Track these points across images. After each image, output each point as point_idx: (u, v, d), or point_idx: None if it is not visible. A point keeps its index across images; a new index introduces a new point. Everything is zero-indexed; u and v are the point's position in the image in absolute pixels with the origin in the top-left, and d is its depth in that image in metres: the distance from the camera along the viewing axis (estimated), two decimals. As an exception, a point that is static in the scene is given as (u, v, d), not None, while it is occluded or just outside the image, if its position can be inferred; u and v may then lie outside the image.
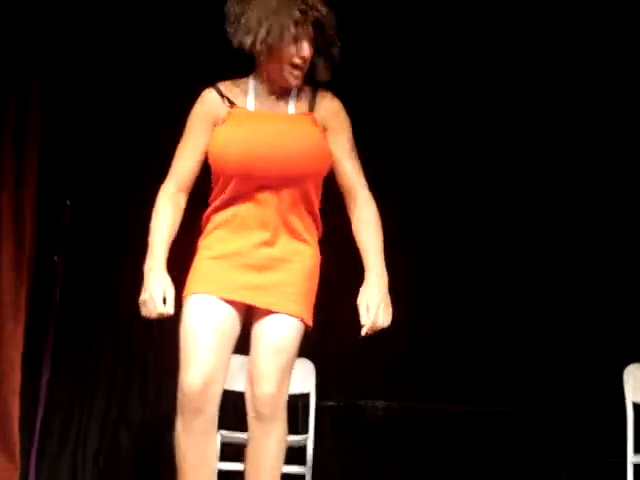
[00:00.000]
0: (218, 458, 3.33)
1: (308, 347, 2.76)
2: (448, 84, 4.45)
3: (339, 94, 2.63)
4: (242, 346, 2.54)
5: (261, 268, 2.50)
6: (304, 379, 3.97)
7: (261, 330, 2.49)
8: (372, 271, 2.50)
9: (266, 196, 2.50)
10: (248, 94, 2.58)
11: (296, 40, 2.48)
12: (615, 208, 4.48)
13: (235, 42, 2.50)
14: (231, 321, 2.49)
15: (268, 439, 2.47)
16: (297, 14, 2.44)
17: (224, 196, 2.54)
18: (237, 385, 3.23)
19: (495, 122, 4.53)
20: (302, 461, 3.75)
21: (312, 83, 2.61)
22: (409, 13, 4.31)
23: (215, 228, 2.56)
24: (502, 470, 4.27)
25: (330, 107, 2.59)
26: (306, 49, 2.49)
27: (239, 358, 2.71)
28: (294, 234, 2.54)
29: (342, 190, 2.61)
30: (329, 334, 3.80)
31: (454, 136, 4.53)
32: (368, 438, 4.37)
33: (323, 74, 2.58)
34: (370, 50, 4.26)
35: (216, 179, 2.56)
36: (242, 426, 2.58)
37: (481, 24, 4.39)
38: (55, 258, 4.29)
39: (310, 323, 2.54)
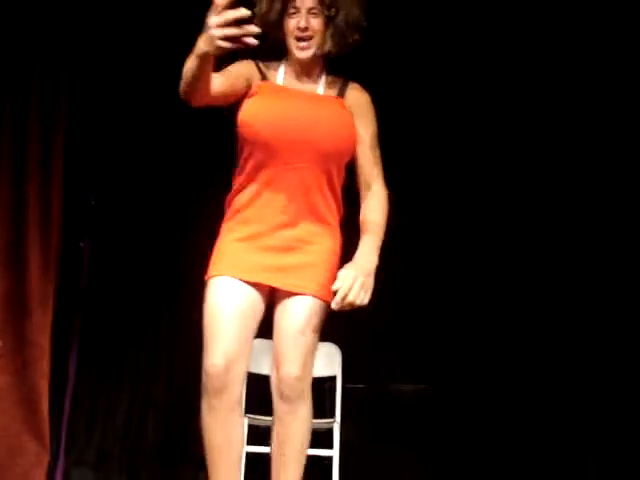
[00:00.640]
0: (245, 441, 3.37)
1: (334, 330, 2.76)
2: (447, 84, 4.39)
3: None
4: (267, 331, 2.56)
5: (283, 250, 2.51)
6: (330, 362, 3.98)
7: (284, 311, 2.51)
8: (361, 253, 2.49)
9: (288, 177, 2.51)
10: (279, 74, 2.63)
11: (296, 13, 2.55)
12: (615, 208, 4.42)
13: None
14: (254, 303, 2.50)
15: (293, 420, 2.48)
16: None
17: (247, 178, 2.55)
18: (263, 369, 3.26)
19: (494, 122, 4.48)
20: (329, 444, 3.76)
21: (342, 72, 2.65)
22: (409, 13, 4.27)
23: (238, 211, 2.57)
24: (531, 454, 4.26)
25: (359, 97, 2.64)
26: (301, 20, 2.55)
27: (264, 342, 2.72)
28: (316, 216, 2.55)
29: (357, 177, 2.62)
30: (355, 317, 3.80)
31: (452, 134, 4.48)
32: (395, 421, 4.37)
33: (328, 44, 2.60)
34: (370, 50, 4.22)
35: (241, 158, 2.57)
36: (268, 410, 2.59)
37: (481, 23, 4.35)
38: (81, 245, 4.33)
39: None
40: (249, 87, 2.57)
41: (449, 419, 4.35)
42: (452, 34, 4.35)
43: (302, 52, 2.58)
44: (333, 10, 2.56)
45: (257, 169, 2.52)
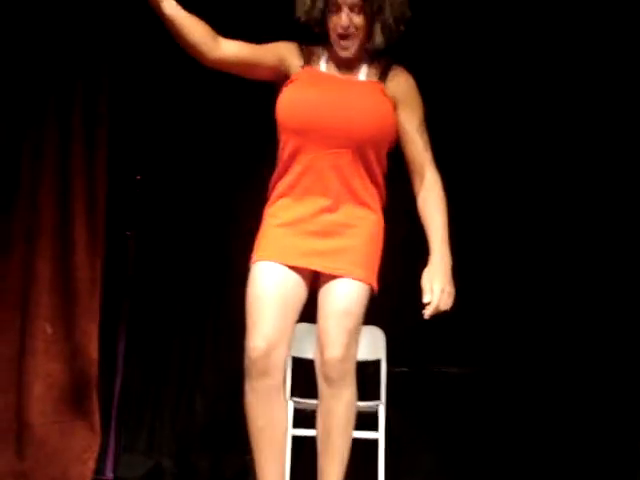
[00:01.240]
0: (290, 424, 3.40)
1: (378, 313, 2.76)
2: (447, 84, 4.34)
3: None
4: (312, 314, 2.57)
5: (325, 234, 2.52)
6: (374, 346, 3.98)
7: (327, 295, 2.52)
8: (436, 254, 2.48)
9: (325, 163, 2.51)
10: (321, 59, 2.63)
11: (338, 10, 2.52)
12: (615, 208, 4.35)
13: (296, 17, 2.58)
14: (296, 287, 2.52)
15: (338, 403, 2.49)
16: None
17: (286, 164, 2.56)
18: (307, 353, 3.28)
19: (494, 122, 4.44)
20: (375, 427, 3.77)
21: (391, 56, 2.63)
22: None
23: (280, 196, 2.58)
24: (580, 437, 4.23)
25: (403, 81, 2.61)
26: (344, 18, 2.51)
27: (308, 326, 2.74)
28: (357, 200, 2.55)
29: (408, 164, 2.60)
30: (400, 300, 3.79)
31: (452, 134, 4.42)
32: (440, 404, 4.37)
33: (376, 41, 2.57)
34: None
35: (281, 142, 2.58)
36: (314, 393, 2.61)
37: (481, 23, 4.31)
38: (127, 232, 4.39)
39: (375, 287, 2.55)
40: (281, 67, 2.58)
41: (494, 402, 4.34)
42: (452, 34, 4.32)
43: (344, 52, 2.57)
44: (377, 6, 2.52)
45: (294, 155, 2.53)
